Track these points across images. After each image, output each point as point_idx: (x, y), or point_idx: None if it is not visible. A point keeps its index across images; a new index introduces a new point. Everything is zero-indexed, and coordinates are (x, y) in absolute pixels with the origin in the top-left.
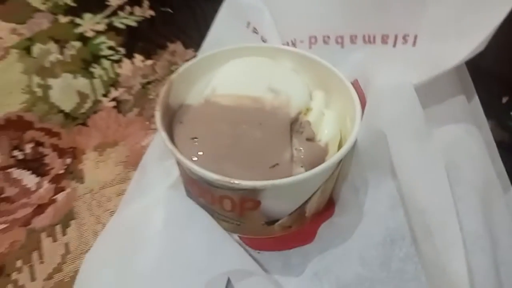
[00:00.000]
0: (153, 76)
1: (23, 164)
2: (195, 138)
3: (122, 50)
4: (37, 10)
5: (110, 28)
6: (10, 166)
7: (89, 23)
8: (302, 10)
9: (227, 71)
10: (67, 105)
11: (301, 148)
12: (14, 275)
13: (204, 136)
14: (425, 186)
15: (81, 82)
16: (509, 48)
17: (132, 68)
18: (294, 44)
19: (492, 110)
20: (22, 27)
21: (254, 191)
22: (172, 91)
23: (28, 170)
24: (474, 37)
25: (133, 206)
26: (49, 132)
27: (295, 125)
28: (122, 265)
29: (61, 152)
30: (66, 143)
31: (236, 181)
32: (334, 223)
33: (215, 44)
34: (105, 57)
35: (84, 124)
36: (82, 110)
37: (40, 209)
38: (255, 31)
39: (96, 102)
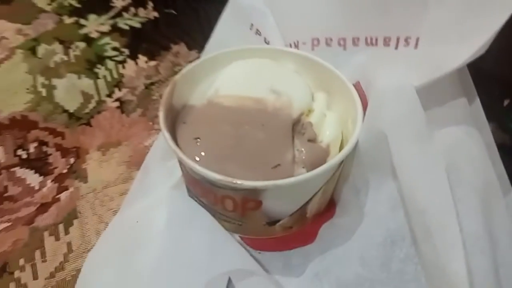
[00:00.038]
0: (157, 77)
1: (27, 163)
2: (198, 138)
3: (126, 51)
4: (43, 11)
5: (115, 29)
6: (14, 165)
7: (94, 24)
8: (304, 12)
9: (230, 72)
10: (71, 105)
11: (303, 149)
12: (17, 273)
13: (206, 136)
14: (426, 187)
15: (85, 83)
16: (510, 51)
17: (136, 69)
18: (296, 46)
19: (493, 112)
20: (28, 28)
21: (256, 191)
22: (175, 92)
23: (32, 169)
24: (476, 40)
25: (135, 206)
26: (53, 132)
27: (297, 126)
28: (124, 264)
29: (64, 152)
30: (70, 142)
31: (239, 181)
32: (335, 223)
33: (218, 46)
34: (109, 58)
35: (88, 124)
36: (86, 110)
37: (43, 208)
38: (258, 33)
39: (100, 102)
